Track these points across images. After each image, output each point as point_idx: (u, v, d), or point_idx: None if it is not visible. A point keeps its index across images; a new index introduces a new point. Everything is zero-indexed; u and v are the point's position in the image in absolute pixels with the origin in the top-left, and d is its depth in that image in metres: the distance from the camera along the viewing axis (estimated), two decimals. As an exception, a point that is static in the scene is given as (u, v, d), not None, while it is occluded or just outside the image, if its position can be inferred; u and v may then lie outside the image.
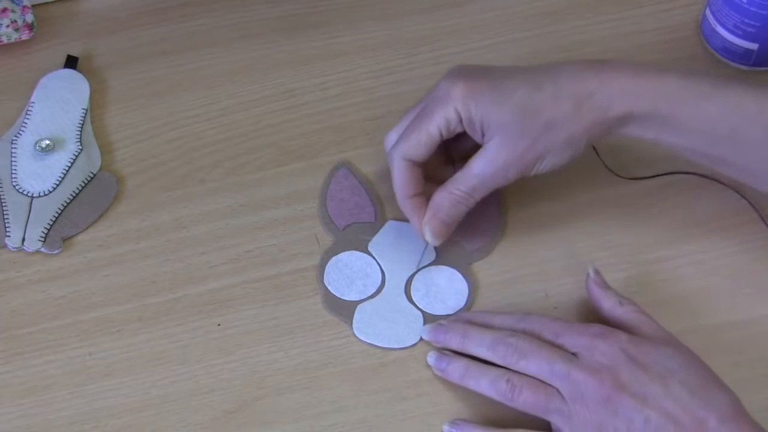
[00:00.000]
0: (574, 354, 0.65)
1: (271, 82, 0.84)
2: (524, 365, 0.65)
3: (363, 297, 0.73)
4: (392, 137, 0.74)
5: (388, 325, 0.72)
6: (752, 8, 0.80)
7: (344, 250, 0.75)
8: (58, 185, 0.78)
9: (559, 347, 0.65)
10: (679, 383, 0.62)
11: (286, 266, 0.75)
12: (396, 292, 0.73)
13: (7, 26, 0.84)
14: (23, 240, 0.76)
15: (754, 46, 0.82)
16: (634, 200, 0.77)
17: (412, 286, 0.74)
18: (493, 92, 0.69)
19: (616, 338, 0.65)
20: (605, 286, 0.70)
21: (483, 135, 0.70)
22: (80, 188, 0.78)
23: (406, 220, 0.76)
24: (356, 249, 0.75)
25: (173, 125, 0.82)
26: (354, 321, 0.72)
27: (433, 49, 0.86)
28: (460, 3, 0.89)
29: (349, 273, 0.74)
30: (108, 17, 0.88)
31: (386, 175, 0.78)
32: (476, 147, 0.71)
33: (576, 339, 0.65)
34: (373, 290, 0.73)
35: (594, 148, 0.78)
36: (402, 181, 0.72)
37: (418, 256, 0.75)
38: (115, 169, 0.80)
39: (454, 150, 0.75)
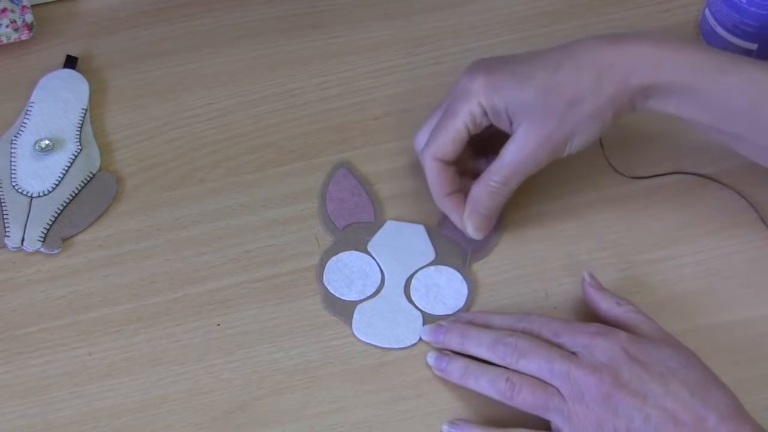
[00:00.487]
0: (573, 353, 0.65)
1: (271, 82, 0.84)
2: (524, 364, 0.65)
3: (362, 297, 0.73)
4: (421, 138, 0.74)
5: (387, 325, 0.72)
6: (751, 8, 0.80)
7: (344, 250, 0.75)
8: (57, 185, 0.78)
9: (558, 346, 0.65)
10: (679, 382, 0.62)
11: (286, 266, 0.75)
12: (395, 292, 0.73)
13: (7, 26, 0.84)
14: (23, 240, 0.76)
15: (753, 46, 0.82)
16: (634, 200, 0.77)
17: (411, 286, 0.73)
18: (513, 79, 0.69)
19: (616, 337, 0.65)
20: (601, 288, 0.70)
21: (511, 124, 0.70)
22: (80, 188, 0.78)
23: (406, 221, 0.76)
24: (356, 249, 0.75)
25: (173, 125, 0.82)
26: (353, 321, 0.72)
27: (433, 49, 0.86)
28: (460, 3, 0.88)
29: (348, 273, 0.74)
30: (108, 17, 0.88)
31: (386, 175, 0.79)
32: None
33: (575, 338, 0.65)
34: (373, 290, 0.73)
35: (601, 144, 0.78)
36: (436, 181, 0.72)
37: (417, 256, 0.75)
38: (115, 169, 0.80)
39: (491, 144, 0.74)
